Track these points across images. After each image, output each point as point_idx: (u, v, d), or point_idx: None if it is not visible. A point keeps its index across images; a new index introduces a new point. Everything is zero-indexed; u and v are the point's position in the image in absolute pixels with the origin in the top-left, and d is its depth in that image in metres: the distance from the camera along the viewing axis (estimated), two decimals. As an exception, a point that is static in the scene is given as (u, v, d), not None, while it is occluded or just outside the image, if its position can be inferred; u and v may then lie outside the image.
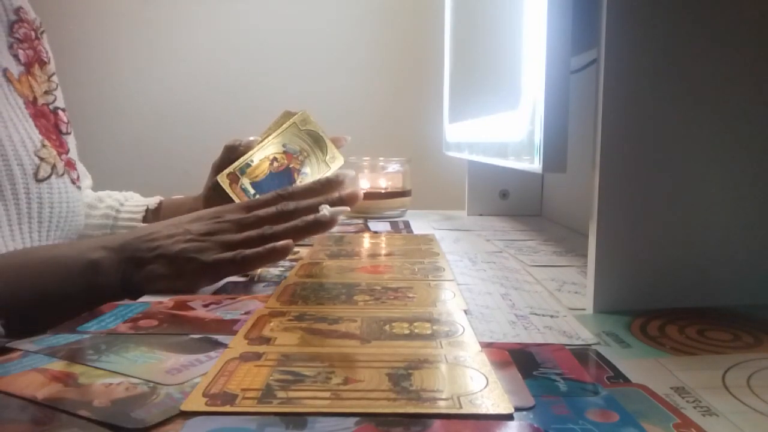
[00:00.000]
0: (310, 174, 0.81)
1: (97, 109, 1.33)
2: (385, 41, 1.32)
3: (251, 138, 0.79)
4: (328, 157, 0.82)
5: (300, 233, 0.55)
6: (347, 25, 1.33)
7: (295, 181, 0.80)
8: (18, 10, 0.73)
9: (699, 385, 0.32)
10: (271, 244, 0.53)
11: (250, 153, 0.77)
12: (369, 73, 1.33)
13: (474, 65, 0.84)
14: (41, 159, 0.66)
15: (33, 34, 0.75)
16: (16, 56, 0.71)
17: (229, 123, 1.28)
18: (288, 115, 0.82)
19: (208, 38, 1.33)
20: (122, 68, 1.34)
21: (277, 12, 1.33)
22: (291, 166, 0.79)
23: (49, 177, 0.66)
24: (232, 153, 0.78)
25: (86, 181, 0.84)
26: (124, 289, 0.50)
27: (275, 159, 0.78)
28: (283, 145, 0.79)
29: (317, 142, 0.82)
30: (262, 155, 0.78)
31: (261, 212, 0.56)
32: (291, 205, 0.57)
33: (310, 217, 0.56)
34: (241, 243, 0.53)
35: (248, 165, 0.76)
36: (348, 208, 0.59)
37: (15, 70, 0.70)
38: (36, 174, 0.65)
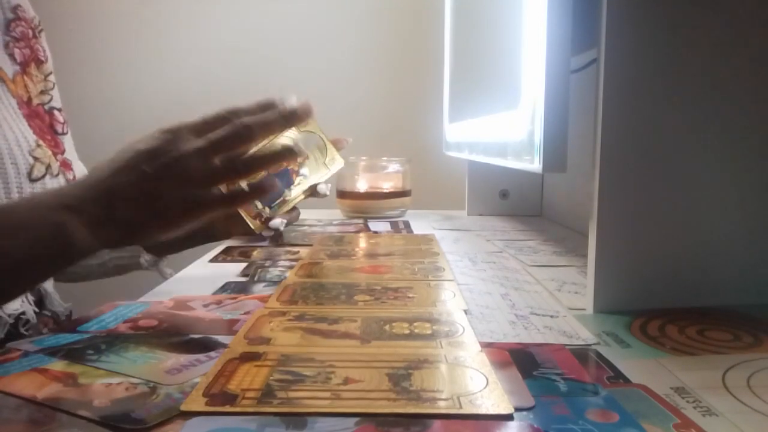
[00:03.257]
0: (308, 175, 0.81)
1: (96, 108, 1.33)
2: (385, 41, 1.32)
3: None
4: (327, 159, 0.82)
5: (271, 161, 0.54)
6: (347, 26, 1.33)
7: (293, 183, 0.79)
8: (16, 8, 0.73)
9: (699, 385, 0.32)
10: (257, 183, 0.52)
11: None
12: (369, 73, 1.33)
13: (474, 65, 0.84)
14: (35, 159, 0.65)
15: (30, 32, 0.74)
16: (11, 55, 0.70)
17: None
18: None
19: (208, 38, 1.33)
20: (122, 68, 1.34)
21: (277, 12, 1.32)
22: (289, 167, 0.79)
23: (43, 177, 0.66)
24: None
25: None
26: (101, 243, 0.48)
27: None
28: (282, 146, 0.79)
29: (317, 143, 0.82)
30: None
31: (215, 135, 0.52)
32: (247, 120, 0.54)
33: (278, 145, 0.54)
34: (215, 177, 0.51)
35: None
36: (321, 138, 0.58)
37: (9, 69, 0.70)
38: (30, 174, 0.64)
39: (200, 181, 0.49)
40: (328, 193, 0.83)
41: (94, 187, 0.48)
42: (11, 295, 0.39)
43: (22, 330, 0.59)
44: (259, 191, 0.52)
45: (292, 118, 0.55)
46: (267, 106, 0.57)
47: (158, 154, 0.49)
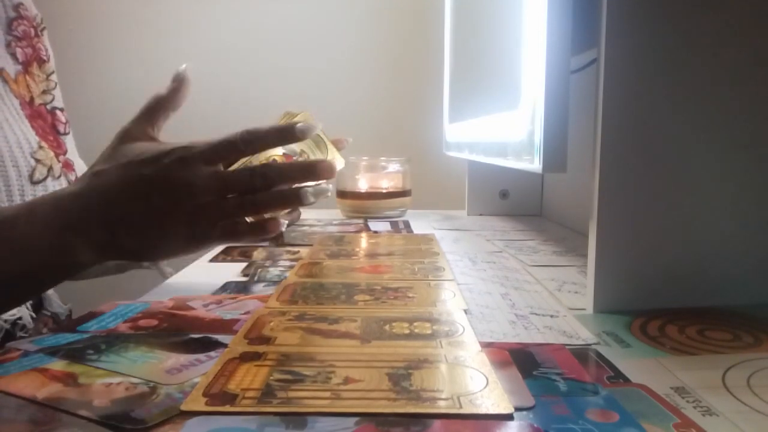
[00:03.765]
0: None
1: (97, 107, 1.33)
2: (385, 41, 1.32)
3: None
4: (328, 159, 0.82)
5: (279, 206, 0.52)
6: (348, 26, 1.33)
7: None
8: (18, 7, 0.72)
9: (699, 385, 0.32)
10: (262, 221, 0.51)
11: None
12: (369, 73, 1.33)
13: (474, 65, 0.84)
14: (37, 161, 0.65)
15: (33, 31, 0.74)
16: (13, 55, 0.70)
17: (229, 123, 1.28)
18: (289, 115, 0.82)
19: (209, 38, 1.33)
20: (123, 67, 1.34)
21: (277, 12, 1.32)
22: None
23: (44, 179, 0.66)
24: None
25: None
26: (103, 260, 0.48)
27: (274, 160, 0.78)
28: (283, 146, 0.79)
29: (318, 144, 0.82)
30: (262, 156, 0.77)
31: (232, 179, 0.51)
32: (268, 171, 0.53)
33: (289, 189, 0.52)
34: (223, 215, 0.50)
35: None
36: (329, 189, 0.55)
37: (12, 69, 0.69)
38: (31, 176, 0.64)
39: (210, 218, 0.48)
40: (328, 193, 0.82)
41: (100, 210, 0.47)
42: (7, 308, 0.39)
43: (20, 334, 0.59)
44: (262, 231, 0.51)
45: (313, 172, 0.54)
46: (286, 133, 0.55)
47: (171, 186, 0.48)
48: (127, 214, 0.47)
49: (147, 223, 0.47)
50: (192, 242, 0.49)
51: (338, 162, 0.83)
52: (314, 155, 0.81)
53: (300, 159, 0.81)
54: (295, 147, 0.80)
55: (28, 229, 0.46)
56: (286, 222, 0.80)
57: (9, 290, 0.43)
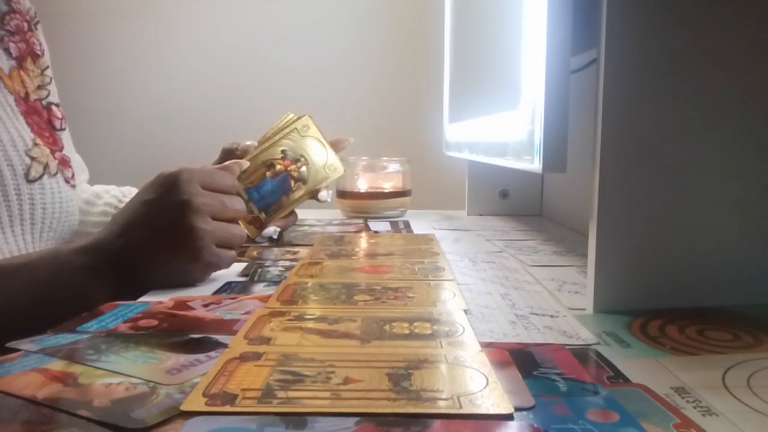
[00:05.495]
0: (307, 181, 0.80)
1: (96, 105, 1.33)
2: (385, 41, 1.32)
3: (248, 143, 0.78)
4: (327, 165, 0.82)
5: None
6: (348, 26, 1.33)
7: (291, 188, 0.79)
8: (10, 1, 0.71)
9: (699, 385, 0.32)
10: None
11: (248, 157, 0.76)
12: (369, 73, 1.33)
13: (474, 65, 0.84)
14: (32, 159, 0.65)
15: (26, 25, 0.73)
16: (6, 50, 0.69)
17: (229, 123, 1.28)
18: (291, 118, 0.81)
19: (209, 38, 1.33)
20: (122, 65, 1.34)
21: (277, 12, 1.32)
22: (288, 172, 0.78)
23: (41, 177, 0.65)
24: (230, 156, 0.77)
25: (83, 175, 0.83)
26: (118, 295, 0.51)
27: (273, 164, 0.78)
28: (282, 151, 0.79)
29: (317, 149, 0.81)
30: (260, 160, 0.77)
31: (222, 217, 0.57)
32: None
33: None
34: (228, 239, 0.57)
35: (245, 170, 0.75)
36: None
37: (5, 65, 0.68)
38: (27, 174, 0.64)
39: (216, 256, 0.55)
40: (329, 199, 0.82)
41: (120, 255, 0.53)
42: (19, 337, 0.40)
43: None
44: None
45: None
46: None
47: (191, 240, 0.53)
48: (147, 261, 0.53)
49: (169, 268, 0.53)
50: (205, 275, 0.56)
51: (338, 170, 0.83)
52: (314, 161, 0.81)
53: (299, 163, 0.81)
54: (294, 152, 0.80)
55: (51, 273, 0.51)
56: (278, 229, 0.80)
57: (25, 328, 0.44)
